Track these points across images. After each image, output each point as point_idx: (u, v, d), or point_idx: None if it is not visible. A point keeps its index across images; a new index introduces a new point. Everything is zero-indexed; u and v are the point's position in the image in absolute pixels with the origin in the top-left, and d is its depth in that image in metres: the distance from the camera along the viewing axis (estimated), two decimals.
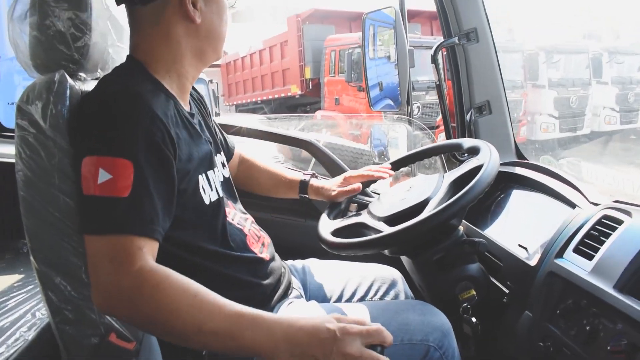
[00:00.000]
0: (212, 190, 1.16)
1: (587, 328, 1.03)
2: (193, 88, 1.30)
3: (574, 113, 10.59)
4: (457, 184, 1.25)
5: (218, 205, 1.17)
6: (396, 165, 1.58)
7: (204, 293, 0.92)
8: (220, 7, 1.17)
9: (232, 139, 1.57)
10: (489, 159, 1.21)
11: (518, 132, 9.87)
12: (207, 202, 1.13)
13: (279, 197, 1.64)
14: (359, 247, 1.22)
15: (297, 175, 1.59)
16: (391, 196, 1.37)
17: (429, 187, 1.28)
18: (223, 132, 1.50)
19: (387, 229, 1.22)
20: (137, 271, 0.89)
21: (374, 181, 1.57)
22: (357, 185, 1.49)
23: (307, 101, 12.18)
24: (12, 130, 2.23)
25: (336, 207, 1.54)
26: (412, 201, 1.27)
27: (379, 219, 1.29)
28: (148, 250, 0.93)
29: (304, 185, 1.56)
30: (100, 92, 1.03)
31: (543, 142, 10.13)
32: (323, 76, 10.91)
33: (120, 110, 0.97)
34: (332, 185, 1.53)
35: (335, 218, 1.49)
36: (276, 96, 13.04)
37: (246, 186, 1.60)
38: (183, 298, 0.89)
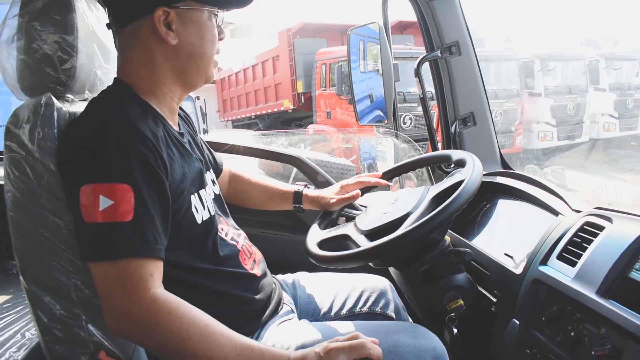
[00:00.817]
0: (204, 209, 1.19)
1: (572, 334, 1.07)
2: (180, 107, 1.33)
3: (572, 121, 10.63)
4: (438, 199, 1.27)
5: (210, 223, 1.20)
6: (387, 175, 1.62)
7: (214, 324, 0.98)
8: (201, 28, 1.16)
9: (220, 156, 1.61)
10: (469, 176, 1.24)
11: (513, 142, 9.90)
12: (199, 221, 1.16)
13: (272, 210, 1.67)
14: (340, 260, 1.26)
15: (290, 187, 1.62)
16: (376, 209, 1.40)
17: (412, 201, 1.32)
18: (211, 149, 1.54)
19: (365, 244, 1.26)
20: (151, 298, 0.94)
21: (370, 189, 1.61)
22: (357, 191, 1.54)
23: (301, 115, 12.25)
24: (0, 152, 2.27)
25: (328, 217, 1.58)
26: (393, 215, 1.30)
27: (361, 232, 1.33)
28: (158, 276, 0.98)
29: (298, 196, 1.59)
30: (89, 118, 1.06)
31: (537, 151, 10.15)
32: (314, 90, 10.98)
33: (111, 135, 0.99)
34: (329, 193, 1.57)
35: (325, 228, 1.53)
36: (269, 111, 13.12)
37: (238, 201, 1.64)
38: (195, 327, 0.95)
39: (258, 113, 13.72)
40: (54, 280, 1.05)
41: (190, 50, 1.16)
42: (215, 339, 0.95)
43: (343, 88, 9.60)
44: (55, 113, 1.06)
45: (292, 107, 12.00)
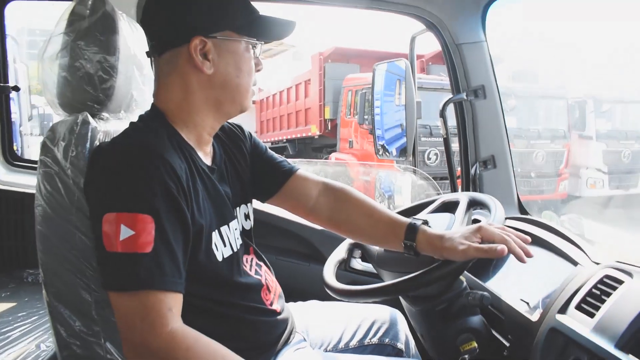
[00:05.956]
0: (225, 246, 1.19)
1: None
2: (234, 127, 1.37)
3: (627, 169, 9.99)
4: None
5: (232, 260, 1.20)
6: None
7: (231, 357, 1.01)
8: (239, 59, 1.18)
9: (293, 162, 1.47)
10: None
11: (557, 187, 9.50)
12: (219, 258, 1.16)
13: (362, 242, 1.53)
14: (354, 295, 1.32)
15: (403, 218, 1.32)
16: None
17: None
18: (276, 158, 1.45)
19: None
20: (169, 333, 0.96)
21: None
22: (502, 246, 1.11)
23: (328, 142, 12.12)
24: (25, 161, 2.35)
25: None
26: None
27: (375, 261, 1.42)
28: (177, 310, 1.00)
29: (412, 231, 1.26)
30: (117, 145, 1.09)
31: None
32: (340, 117, 10.85)
33: (136, 164, 1.01)
34: (457, 237, 1.19)
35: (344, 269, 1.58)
36: (298, 136, 13.09)
37: (328, 222, 1.44)
38: None
39: (289, 137, 13.70)
40: (76, 296, 1.09)
41: (225, 81, 1.18)
42: None
43: (365, 117, 9.29)
44: (90, 133, 1.12)
45: (318, 133, 11.93)
